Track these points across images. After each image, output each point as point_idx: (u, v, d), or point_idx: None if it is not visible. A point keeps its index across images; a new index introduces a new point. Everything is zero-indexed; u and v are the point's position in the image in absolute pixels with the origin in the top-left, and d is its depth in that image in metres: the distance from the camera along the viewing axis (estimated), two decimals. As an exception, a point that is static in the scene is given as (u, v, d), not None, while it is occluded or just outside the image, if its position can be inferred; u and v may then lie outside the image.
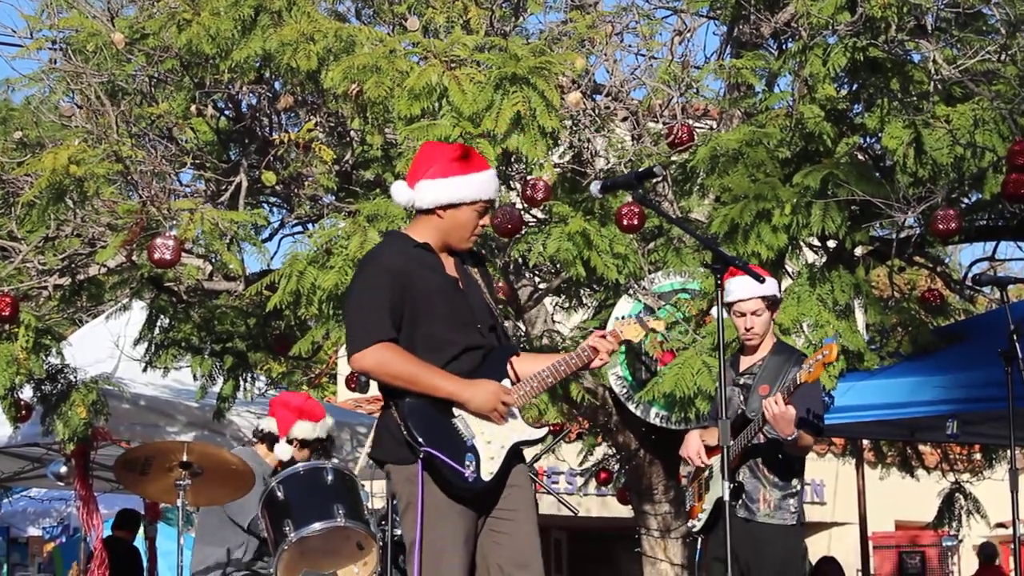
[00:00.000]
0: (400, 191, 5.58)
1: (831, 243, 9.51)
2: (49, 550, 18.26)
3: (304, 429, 8.25)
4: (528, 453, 9.25)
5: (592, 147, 9.13)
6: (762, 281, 6.60)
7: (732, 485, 7.02)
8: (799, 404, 6.92)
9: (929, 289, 10.27)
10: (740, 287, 7.16)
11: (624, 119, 9.40)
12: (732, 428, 7.09)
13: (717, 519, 7.20)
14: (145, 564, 12.73)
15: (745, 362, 7.35)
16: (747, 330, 7.27)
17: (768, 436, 6.99)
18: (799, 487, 7.25)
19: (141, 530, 13.25)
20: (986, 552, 15.98)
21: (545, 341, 10.12)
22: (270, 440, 8.32)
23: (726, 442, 6.02)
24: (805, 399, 7.00)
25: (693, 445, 7.36)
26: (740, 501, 7.18)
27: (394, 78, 7.85)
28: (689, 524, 7.65)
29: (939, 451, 13.80)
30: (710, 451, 7.27)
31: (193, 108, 9.06)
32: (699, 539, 7.54)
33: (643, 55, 9.55)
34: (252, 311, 10.52)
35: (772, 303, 7.32)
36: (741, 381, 7.28)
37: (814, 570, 12.96)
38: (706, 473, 7.36)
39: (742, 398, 7.19)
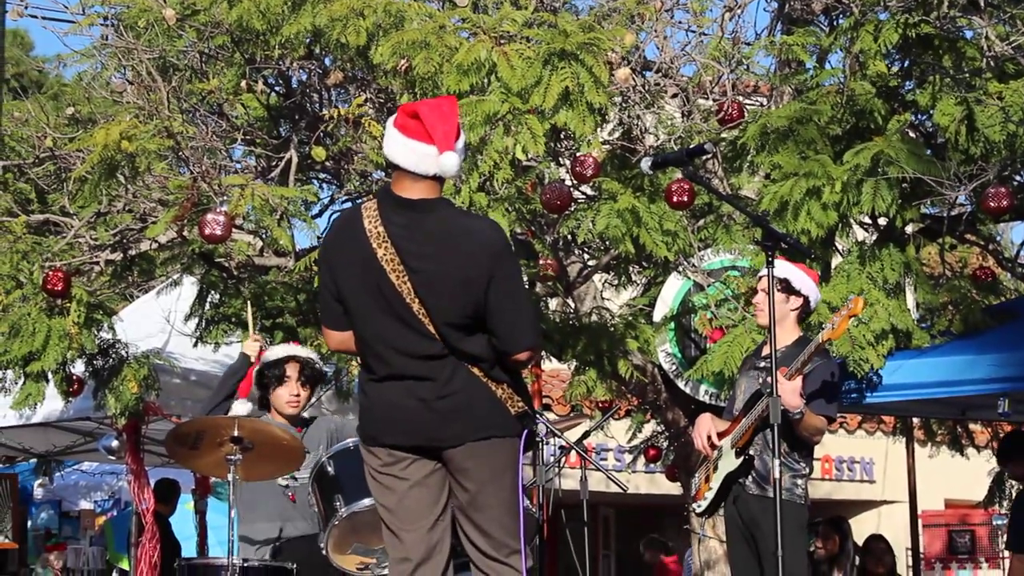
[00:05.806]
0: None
1: (882, 221, 9.46)
2: (100, 523, 18.39)
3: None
4: (578, 430, 9.32)
5: (642, 124, 9.10)
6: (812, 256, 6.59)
7: (744, 458, 7.12)
8: (811, 381, 6.98)
9: (980, 267, 10.18)
10: None
11: (674, 96, 9.36)
12: (747, 404, 7.20)
13: (724, 496, 7.34)
14: (195, 538, 12.81)
15: (766, 350, 7.42)
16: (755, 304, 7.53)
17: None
18: (808, 471, 7.29)
19: (191, 504, 13.32)
20: None
21: (595, 318, 10.11)
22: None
23: (776, 419, 6.03)
24: (817, 378, 7.06)
25: (703, 429, 7.39)
26: (752, 478, 7.22)
27: (443, 54, 7.84)
28: (694, 506, 7.67)
29: (990, 430, 13.72)
30: (720, 435, 7.32)
31: (244, 84, 9.07)
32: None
33: (693, 31, 9.53)
34: (302, 287, 10.53)
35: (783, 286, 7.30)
36: (761, 364, 7.33)
37: (863, 548, 12.89)
38: (715, 453, 7.37)
39: (761, 381, 7.22)
